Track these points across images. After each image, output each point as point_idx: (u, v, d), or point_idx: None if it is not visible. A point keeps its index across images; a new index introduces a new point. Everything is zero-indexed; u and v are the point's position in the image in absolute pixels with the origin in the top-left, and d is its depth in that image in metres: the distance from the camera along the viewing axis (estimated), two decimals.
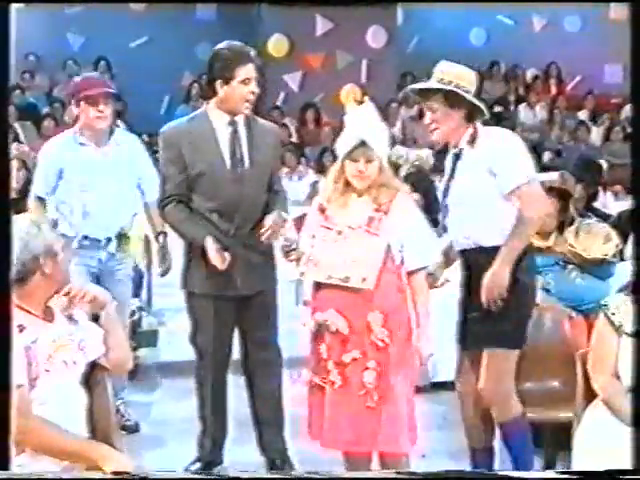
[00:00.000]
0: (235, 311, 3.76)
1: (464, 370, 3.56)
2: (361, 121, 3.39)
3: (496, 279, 3.32)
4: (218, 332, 3.75)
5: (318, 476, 2.44)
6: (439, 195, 3.61)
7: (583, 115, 11.81)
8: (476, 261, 3.42)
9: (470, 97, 3.43)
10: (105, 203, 4.27)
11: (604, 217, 5.60)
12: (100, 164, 4.28)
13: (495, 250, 3.36)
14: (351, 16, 10.91)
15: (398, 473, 3.16)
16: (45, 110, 10.56)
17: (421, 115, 11.07)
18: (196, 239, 3.66)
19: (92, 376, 2.87)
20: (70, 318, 2.84)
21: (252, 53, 3.70)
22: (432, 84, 3.45)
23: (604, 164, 9.00)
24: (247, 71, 3.62)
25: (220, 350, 3.78)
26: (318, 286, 3.36)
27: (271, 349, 3.82)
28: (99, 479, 2.51)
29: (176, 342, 6.00)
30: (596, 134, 11.31)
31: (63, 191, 4.30)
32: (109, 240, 4.32)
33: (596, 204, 7.06)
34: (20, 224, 2.72)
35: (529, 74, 12.42)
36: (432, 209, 5.17)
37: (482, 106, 3.47)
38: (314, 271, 3.33)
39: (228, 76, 3.60)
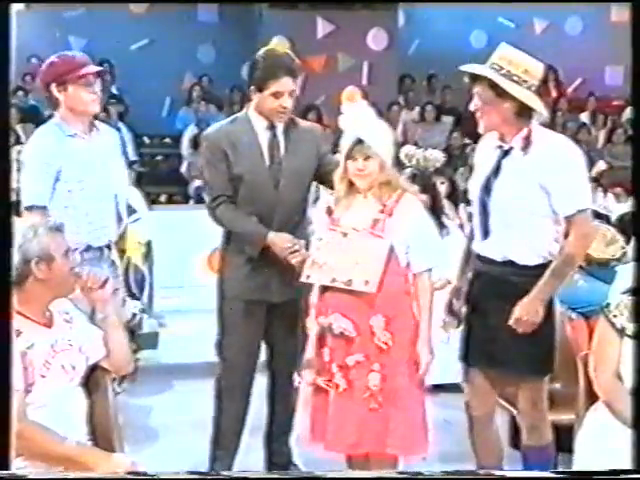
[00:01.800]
0: (265, 317, 3.70)
1: (481, 390, 3.36)
2: (355, 120, 3.38)
3: (529, 315, 3.12)
4: (247, 337, 3.68)
5: (318, 476, 2.44)
6: (475, 191, 3.28)
7: (585, 117, 11.80)
8: (503, 276, 3.19)
9: (514, 88, 3.07)
10: (105, 202, 3.79)
11: (601, 218, 5.60)
12: (93, 157, 3.73)
13: (529, 269, 3.16)
14: (352, 18, 10.91)
15: (400, 473, 3.20)
16: (47, 112, 10.56)
17: (422, 118, 11.20)
18: (258, 235, 3.55)
19: (92, 378, 2.87)
20: (70, 322, 2.84)
21: (292, 65, 3.57)
22: (478, 68, 3.14)
23: (602, 164, 8.99)
24: (279, 85, 3.51)
25: (247, 356, 3.70)
26: (323, 289, 3.35)
27: (297, 357, 3.66)
28: (99, 479, 2.51)
29: (177, 344, 6.01)
30: (598, 136, 11.29)
31: (63, 194, 3.69)
32: (109, 247, 3.83)
33: (597, 206, 7.04)
34: (18, 227, 2.71)
35: None
36: (438, 212, 5.19)
37: (533, 102, 3.12)
38: (319, 274, 3.33)
39: (260, 86, 3.54)
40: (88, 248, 3.71)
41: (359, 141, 3.29)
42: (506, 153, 3.19)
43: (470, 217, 3.57)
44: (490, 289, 3.25)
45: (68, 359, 2.76)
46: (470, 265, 3.37)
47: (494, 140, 3.24)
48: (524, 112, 3.13)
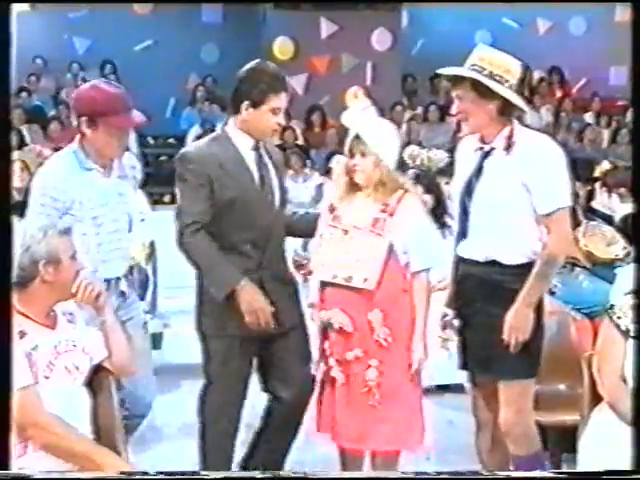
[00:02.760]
0: (258, 350, 3.43)
1: (485, 394, 3.30)
2: (356, 116, 3.43)
3: (520, 321, 3.08)
4: (242, 376, 3.39)
5: (318, 476, 2.45)
6: (456, 194, 3.26)
7: (589, 117, 11.78)
8: (488, 276, 3.15)
9: (500, 88, 3.05)
10: (119, 234, 3.51)
11: (605, 218, 5.60)
12: (109, 190, 3.45)
13: (513, 268, 3.12)
14: (356, 19, 10.92)
15: (403, 473, 3.26)
16: (51, 113, 10.57)
17: (426, 118, 11.20)
18: (231, 280, 3.28)
19: (96, 379, 2.87)
20: (73, 322, 2.84)
21: (285, 81, 3.41)
22: (460, 70, 3.12)
23: (606, 164, 8.98)
24: (279, 101, 3.33)
25: (241, 394, 3.43)
26: (324, 285, 3.39)
27: (301, 384, 3.46)
28: (99, 479, 2.51)
29: (181, 345, 6.02)
30: (602, 136, 11.28)
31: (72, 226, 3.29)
32: (118, 279, 3.50)
33: (602, 206, 7.04)
34: (26, 227, 2.71)
35: (534, 77, 12.39)
36: (442, 212, 5.19)
37: (518, 101, 3.10)
38: (320, 270, 3.37)
39: (258, 101, 3.30)
40: None
41: (356, 137, 3.34)
42: (487, 154, 3.16)
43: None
44: (475, 291, 3.21)
45: (72, 360, 2.76)
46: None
47: (474, 142, 3.23)
48: (506, 111, 3.11)
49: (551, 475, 2.61)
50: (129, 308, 3.51)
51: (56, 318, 2.80)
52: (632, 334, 2.75)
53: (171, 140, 11.21)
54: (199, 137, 10.44)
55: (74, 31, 11.70)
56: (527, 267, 3.15)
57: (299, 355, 3.46)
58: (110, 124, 3.34)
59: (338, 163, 3.66)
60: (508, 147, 3.11)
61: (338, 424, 3.33)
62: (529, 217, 3.14)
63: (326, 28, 11.10)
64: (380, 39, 11.24)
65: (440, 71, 3.19)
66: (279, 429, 3.49)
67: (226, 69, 11.59)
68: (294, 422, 3.46)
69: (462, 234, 3.22)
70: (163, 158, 10.69)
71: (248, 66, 3.40)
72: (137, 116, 3.48)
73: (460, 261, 3.27)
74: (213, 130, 10.52)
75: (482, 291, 3.19)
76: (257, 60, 3.47)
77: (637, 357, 2.64)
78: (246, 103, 3.32)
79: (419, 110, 11.33)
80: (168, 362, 5.69)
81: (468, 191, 3.19)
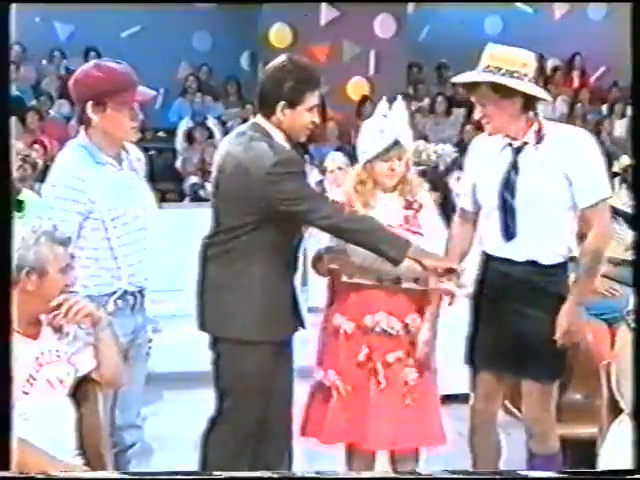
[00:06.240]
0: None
1: (487, 395, 3.47)
2: (395, 121, 3.47)
3: (574, 323, 3.23)
4: (267, 383, 3.36)
5: (319, 476, 2.48)
6: (491, 193, 3.32)
7: (607, 109, 11.78)
8: (524, 277, 3.28)
9: (522, 85, 3.19)
10: (143, 237, 3.43)
11: (626, 217, 5.59)
12: (124, 188, 3.34)
13: (550, 268, 3.26)
14: (358, 4, 10.92)
15: (397, 473, 3.45)
16: (31, 103, 10.55)
17: (433, 110, 11.17)
18: (402, 239, 3.29)
19: (81, 389, 2.88)
20: (59, 332, 2.83)
21: (320, 76, 3.44)
22: (478, 76, 3.24)
23: (626, 159, 8.97)
24: (315, 98, 3.34)
25: (265, 404, 3.38)
26: (348, 289, 3.44)
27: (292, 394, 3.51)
28: (99, 479, 2.53)
29: (170, 351, 6.03)
30: (620, 127, 11.27)
31: (93, 234, 3.25)
32: (142, 292, 3.43)
33: (621, 204, 7.03)
34: (18, 230, 2.68)
35: (549, 65, 12.41)
36: (447, 209, 5.22)
37: (540, 93, 3.28)
38: (361, 274, 3.41)
39: (295, 101, 3.28)
40: (124, 294, 3.32)
41: (397, 142, 3.42)
42: (519, 150, 3.28)
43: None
44: (508, 291, 3.32)
45: (55, 372, 2.76)
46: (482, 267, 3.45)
47: (497, 139, 3.32)
48: (529, 105, 3.25)
49: (551, 475, 2.64)
50: (144, 329, 3.47)
51: (40, 327, 2.79)
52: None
53: (160, 133, 11.22)
54: (190, 130, 10.58)
55: (55, 16, 11.69)
56: (561, 267, 3.30)
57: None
58: (120, 102, 3.25)
59: (356, 168, 3.60)
60: (539, 141, 3.25)
61: (374, 430, 3.39)
62: (569, 210, 3.27)
63: (326, 14, 11.10)
64: (384, 25, 11.24)
65: (455, 79, 3.34)
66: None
67: (220, 57, 11.72)
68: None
69: (508, 234, 3.29)
70: (152, 152, 10.70)
71: (279, 62, 3.33)
72: (145, 91, 3.36)
73: (492, 260, 3.37)
74: (204, 123, 10.61)
75: (515, 292, 3.29)
76: (287, 55, 3.41)
77: (636, 355, 2.64)
78: (282, 104, 3.27)
79: (425, 102, 11.34)
80: (158, 371, 5.70)
81: (508, 188, 3.28)
